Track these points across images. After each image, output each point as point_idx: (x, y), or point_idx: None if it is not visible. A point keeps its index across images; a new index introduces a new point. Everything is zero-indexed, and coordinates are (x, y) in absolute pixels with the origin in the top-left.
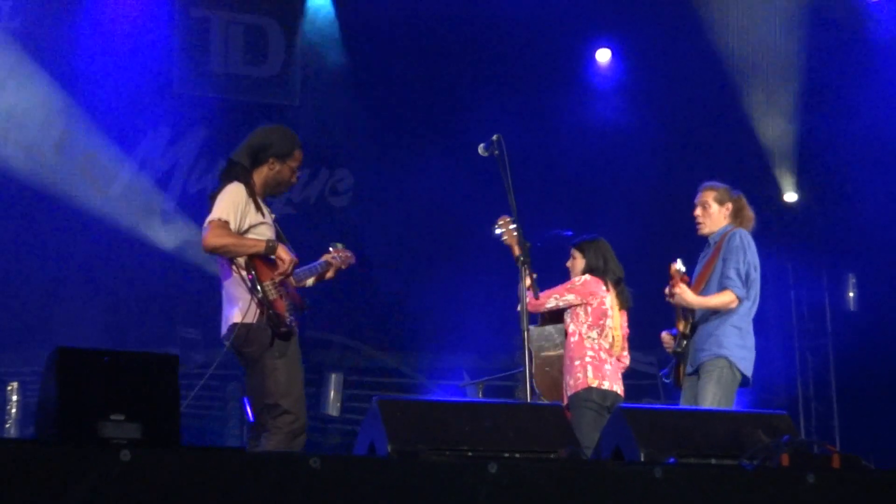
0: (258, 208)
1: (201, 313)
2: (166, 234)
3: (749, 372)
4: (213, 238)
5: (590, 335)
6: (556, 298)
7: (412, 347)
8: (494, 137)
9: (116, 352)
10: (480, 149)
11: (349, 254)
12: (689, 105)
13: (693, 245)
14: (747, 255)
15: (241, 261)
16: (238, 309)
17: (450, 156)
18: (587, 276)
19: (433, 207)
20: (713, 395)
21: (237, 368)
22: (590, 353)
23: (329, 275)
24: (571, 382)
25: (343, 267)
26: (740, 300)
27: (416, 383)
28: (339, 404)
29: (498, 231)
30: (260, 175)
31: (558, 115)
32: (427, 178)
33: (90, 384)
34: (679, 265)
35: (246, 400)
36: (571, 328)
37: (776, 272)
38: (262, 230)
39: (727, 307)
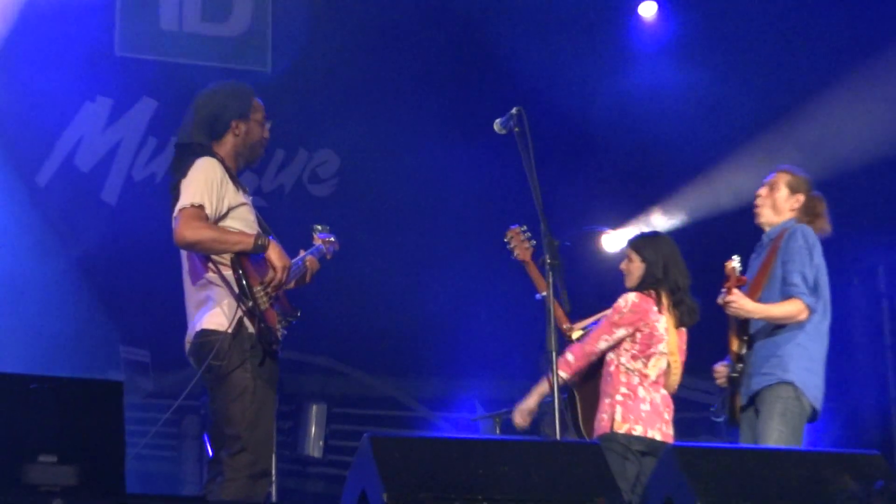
0: (237, 185)
1: (150, 330)
2: (106, 232)
3: (819, 403)
4: (187, 230)
5: (631, 366)
6: (605, 340)
7: (412, 372)
8: (514, 111)
9: (46, 377)
10: (497, 125)
11: (333, 239)
12: (751, 69)
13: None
14: (814, 257)
15: (227, 257)
16: (211, 314)
17: (458, 134)
18: (633, 298)
19: (437, 198)
20: (778, 433)
21: (195, 398)
22: (623, 389)
23: (307, 278)
24: (598, 422)
25: (328, 257)
26: (810, 311)
27: (418, 416)
28: (321, 443)
29: (509, 246)
30: (225, 148)
31: (593, 82)
32: (430, 163)
33: (13, 417)
34: (736, 263)
35: (207, 437)
36: (610, 356)
37: (862, 276)
38: (244, 213)
39: (794, 319)
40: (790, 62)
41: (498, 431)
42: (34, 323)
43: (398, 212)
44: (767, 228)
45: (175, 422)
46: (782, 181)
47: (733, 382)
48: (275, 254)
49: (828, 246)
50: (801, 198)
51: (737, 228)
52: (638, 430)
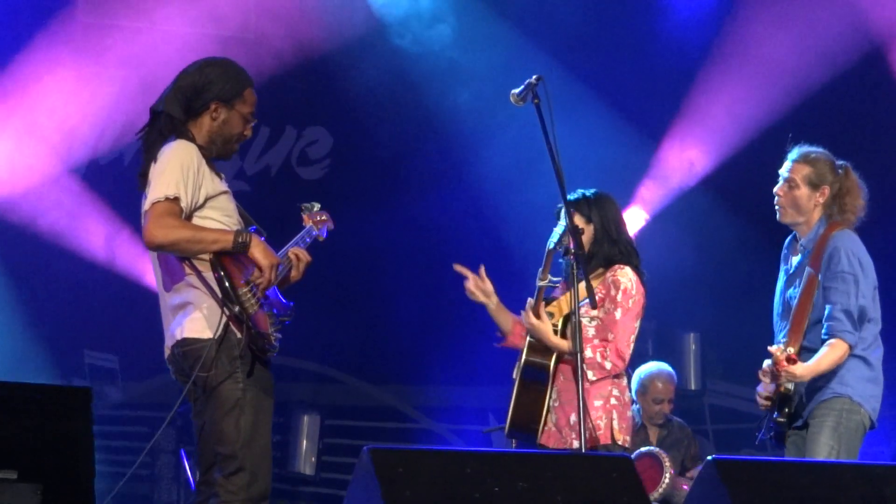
0: (215, 172)
1: (119, 333)
2: (67, 224)
3: (877, 415)
4: (159, 230)
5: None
6: (632, 337)
7: (414, 379)
8: (533, 79)
9: (3, 384)
10: (514, 96)
11: (326, 217)
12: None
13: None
14: (860, 285)
15: (205, 256)
16: (191, 319)
17: (471, 108)
18: (631, 274)
19: (444, 183)
20: (828, 448)
21: (169, 408)
22: (615, 391)
23: (294, 274)
24: (588, 430)
25: (321, 239)
26: (853, 347)
27: (422, 428)
28: (313, 458)
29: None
30: (199, 129)
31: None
32: (437, 141)
33: None
34: (782, 353)
35: (184, 454)
36: (591, 353)
37: None
38: (224, 203)
39: (841, 361)
40: None
41: (514, 445)
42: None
43: (401, 199)
44: (795, 229)
45: (148, 435)
46: (800, 178)
47: (784, 400)
48: (259, 251)
49: (875, 232)
50: (825, 190)
51: None
52: (629, 442)
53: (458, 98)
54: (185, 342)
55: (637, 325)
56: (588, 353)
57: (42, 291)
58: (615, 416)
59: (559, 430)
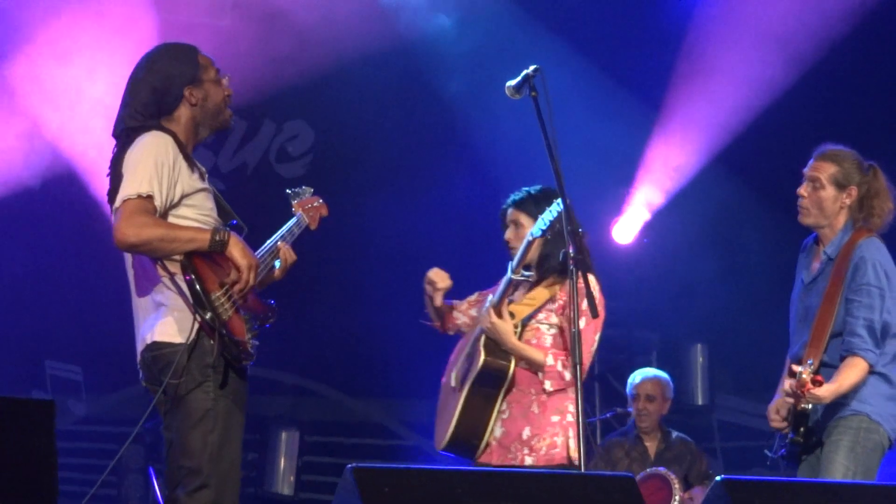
0: (193, 166)
1: (83, 342)
2: (27, 223)
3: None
4: (130, 228)
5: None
6: (593, 348)
7: (402, 393)
8: (530, 70)
9: None
10: (509, 88)
11: (319, 202)
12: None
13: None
14: (886, 299)
15: (178, 257)
16: (163, 322)
17: (464, 100)
18: (597, 284)
19: (432, 182)
20: (844, 468)
21: (135, 424)
22: (571, 407)
23: (278, 274)
24: (540, 445)
25: (313, 226)
26: (873, 366)
27: (408, 445)
28: (292, 478)
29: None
30: (180, 122)
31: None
32: (428, 138)
33: None
34: (807, 368)
35: (153, 473)
36: (559, 362)
37: None
38: (201, 200)
39: (861, 379)
40: None
41: None
42: None
43: (386, 198)
44: (818, 232)
45: (113, 452)
46: (826, 177)
47: (801, 418)
48: (237, 251)
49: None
50: (853, 191)
51: None
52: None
53: (451, 89)
54: (156, 346)
55: (598, 337)
56: (549, 360)
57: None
58: (571, 433)
59: (505, 447)
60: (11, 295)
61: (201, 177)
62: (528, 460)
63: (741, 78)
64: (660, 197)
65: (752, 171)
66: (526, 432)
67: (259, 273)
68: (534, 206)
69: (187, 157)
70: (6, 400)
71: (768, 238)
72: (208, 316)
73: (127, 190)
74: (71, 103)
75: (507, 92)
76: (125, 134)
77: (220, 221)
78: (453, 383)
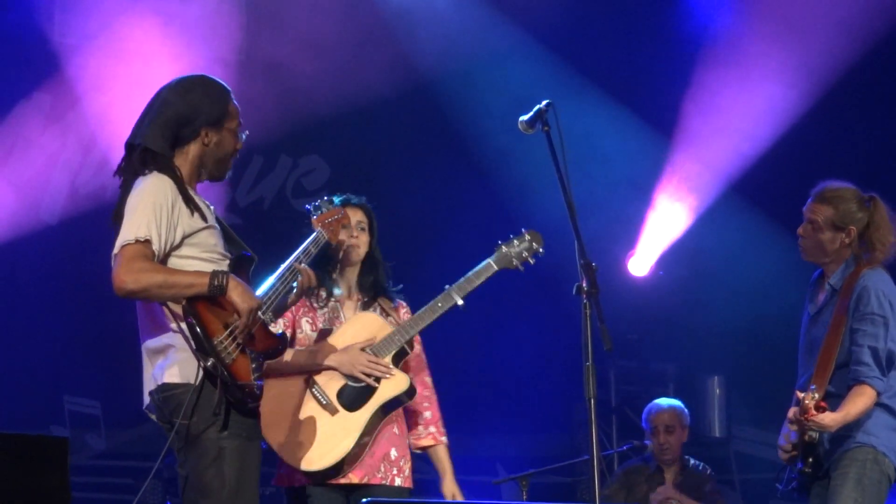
0: (193, 208)
1: (102, 377)
2: (47, 258)
3: None
4: (128, 275)
5: None
6: None
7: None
8: (543, 105)
9: None
10: (522, 123)
11: (339, 215)
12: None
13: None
14: (889, 328)
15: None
16: (171, 363)
17: (481, 132)
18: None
19: (448, 216)
20: (852, 501)
21: (155, 458)
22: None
23: (293, 299)
24: (404, 467)
25: (335, 241)
26: (880, 394)
27: (423, 479)
28: None
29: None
30: (185, 157)
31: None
32: (439, 172)
33: None
34: (810, 394)
35: None
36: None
37: None
38: (204, 238)
39: (868, 408)
40: None
41: (525, 497)
42: None
43: (402, 228)
44: (822, 266)
45: (132, 488)
46: (822, 220)
47: (808, 449)
48: (237, 294)
49: None
50: (851, 231)
51: None
52: None
53: (466, 124)
54: (165, 387)
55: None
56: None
57: (19, 332)
58: (409, 466)
59: (372, 466)
60: (30, 329)
61: (202, 216)
62: (398, 481)
63: (754, 104)
64: (675, 228)
65: (769, 199)
66: (394, 453)
67: (275, 308)
68: (368, 216)
69: (187, 198)
70: (21, 437)
71: (785, 268)
72: (209, 363)
73: (125, 235)
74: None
75: (519, 127)
76: (128, 148)
77: (229, 256)
78: (323, 400)
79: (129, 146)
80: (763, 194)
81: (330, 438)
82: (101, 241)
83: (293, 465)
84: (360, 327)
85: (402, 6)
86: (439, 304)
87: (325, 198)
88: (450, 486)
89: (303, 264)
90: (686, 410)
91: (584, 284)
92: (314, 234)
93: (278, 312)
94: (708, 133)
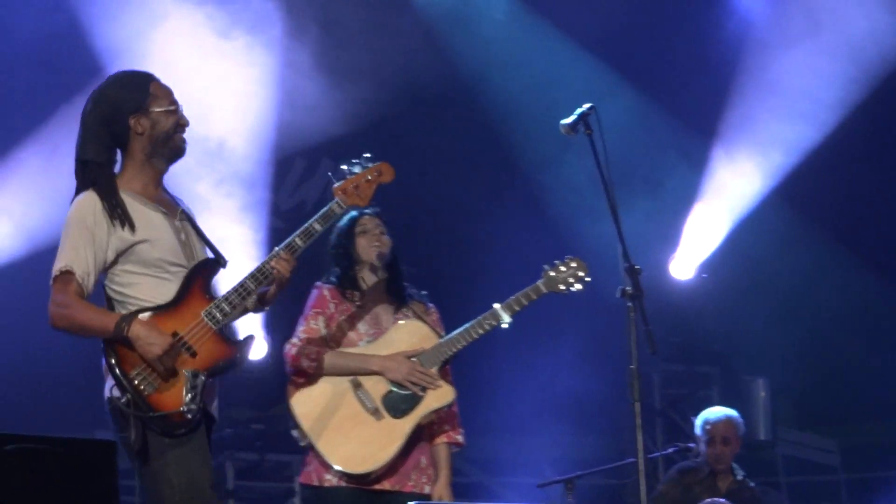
0: (123, 219)
1: None
2: None
3: None
4: (54, 308)
5: None
6: None
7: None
8: (585, 108)
9: (24, 437)
10: (564, 127)
11: (376, 173)
12: None
13: None
14: None
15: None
16: (111, 381)
17: (527, 137)
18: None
19: (489, 222)
20: None
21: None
22: None
23: (273, 291)
24: (432, 473)
25: (362, 203)
26: None
27: (470, 482)
28: None
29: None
30: (135, 157)
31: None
32: (480, 176)
33: None
34: None
35: None
36: None
37: None
38: (144, 254)
39: None
40: None
41: (570, 499)
42: (4, 371)
43: (444, 233)
44: None
45: None
46: None
47: None
48: (140, 344)
49: None
50: None
51: None
52: None
53: (508, 128)
54: (108, 401)
55: None
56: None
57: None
58: None
59: (404, 474)
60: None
61: (132, 228)
62: (427, 489)
63: (798, 107)
64: (718, 231)
65: (813, 202)
66: (423, 460)
67: (253, 291)
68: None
69: (115, 212)
70: (68, 441)
71: (830, 270)
72: (123, 400)
73: (54, 266)
74: None
75: (561, 130)
76: (76, 164)
77: (183, 265)
78: (368, 405)
79: (79, 162)
80: (807, 197)
81: (373, 443)
82: None
83: (334, 464)
84: (406, 334)
85: (450, 12)
86: (486, 323)
87: (347, 166)
88: (440, 490)
89: (283, 259)
90: (742, 420)
91: (629, 288)
92: (330, 205)
93: (265, 304)
94: (752, 133)
